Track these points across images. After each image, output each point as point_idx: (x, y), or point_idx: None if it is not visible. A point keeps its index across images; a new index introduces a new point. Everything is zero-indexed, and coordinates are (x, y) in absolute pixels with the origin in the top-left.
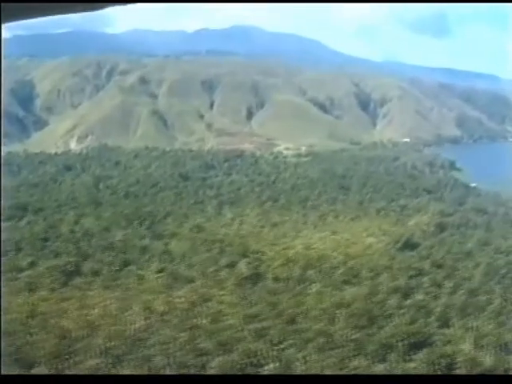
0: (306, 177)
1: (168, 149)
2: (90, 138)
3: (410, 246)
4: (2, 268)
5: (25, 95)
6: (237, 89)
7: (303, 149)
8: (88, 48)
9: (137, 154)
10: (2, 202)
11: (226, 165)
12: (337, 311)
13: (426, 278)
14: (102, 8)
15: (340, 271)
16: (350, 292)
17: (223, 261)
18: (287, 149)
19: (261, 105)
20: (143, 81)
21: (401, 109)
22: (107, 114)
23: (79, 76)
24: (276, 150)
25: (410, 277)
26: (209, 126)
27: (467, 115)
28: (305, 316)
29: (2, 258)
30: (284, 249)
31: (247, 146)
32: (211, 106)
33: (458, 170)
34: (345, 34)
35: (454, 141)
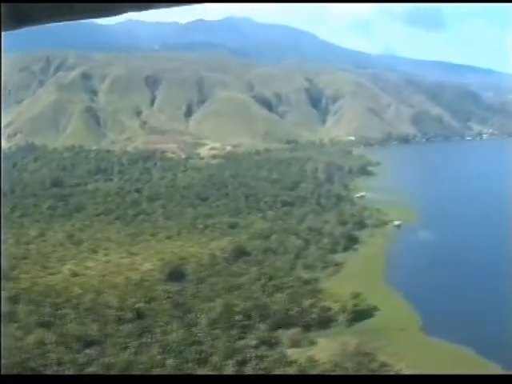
0: (175, 186)
1: (88, 148)
2: (18, 136)
3: (177, 276)
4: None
5: None
6: (181, 85)
7: (227, 149)
8: (76, 39)
9: (38, 155)
10: None
11: (118, 169)
12: None
13: (132, 325)
14: (120, 13)
15: (48, 310)
16: (32, 337)
17: None
18: (212, 149)
19: (202, 101)
20: (86, 76)
21: (353, 105)
22: (40, 112)
23: (26, 71)
24: (199, 150)
25: (120, 321)
26: (143, 124)
27: (428, 112)
28: None
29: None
30: (50, 274)
31: (170, 146)
32: (152, 102)
33: (369, 174)
34: (340, 26)
35: (405, 139)
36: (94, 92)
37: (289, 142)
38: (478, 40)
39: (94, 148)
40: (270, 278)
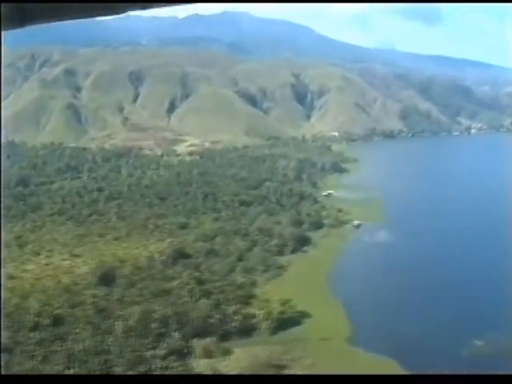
0: (139, 184)
1: (66, 145)
2: None
3: (109, 279)
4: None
5: None
6: (165, 80)
7: (206, 145)
8: (69, 35)
9: (11, 153)
10: None
11: (89, 167)
12: None
13: (47, 332)
14: (121, 12)
15: None
16: None
17: None
18: (192, 145)
19: (186, 97)
20: (69, 72)
21: (338, 100)
22: (22, 108)
23: (12, 68)
24: (177, 147)
25: (36, 328)
26: (125, 120)
27: (416, 107)
28: None
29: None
30: None
31: (148, 143)
32: (135, 98)
33: (343, 171)
34: (339, 20)
35: (390, 135)
36: (78, 88)
37: (270, 139)
38: (478, 34)
39: (71, 145)
40: (202, 283)
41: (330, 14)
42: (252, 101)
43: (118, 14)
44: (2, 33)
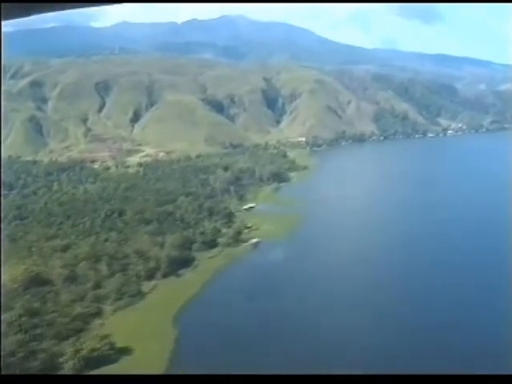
0: (56, 201)
1: (22, 159)
2: None
3: None
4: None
5: None
6: (132, 89)
7: (160, 155)
8: (69, 44)
9: None
10: None
11: (22, 183)
12: None
13: None
14: (119, 2)
15: None
16: None
17: None
18: (146, 156)
19: (151, 106)
20: (36, 84)
21: (309, 104)
22: None
23: None
24: (132, 157)
25: None
26: (87, 131)
27: (393, 109)
28: None
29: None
30: None
31: (102, 155)
32: (101, 108)
33: (284, 181)
34: (338, 20)
35: (360, 138)
36: (44, 100)
37: (231, 147)
38: (479, 31)
39: (23, 159)
40: (34, 315)
41: (331, 13)
42: (218, 107)
43: (114, 3)
44: (2, 23)
